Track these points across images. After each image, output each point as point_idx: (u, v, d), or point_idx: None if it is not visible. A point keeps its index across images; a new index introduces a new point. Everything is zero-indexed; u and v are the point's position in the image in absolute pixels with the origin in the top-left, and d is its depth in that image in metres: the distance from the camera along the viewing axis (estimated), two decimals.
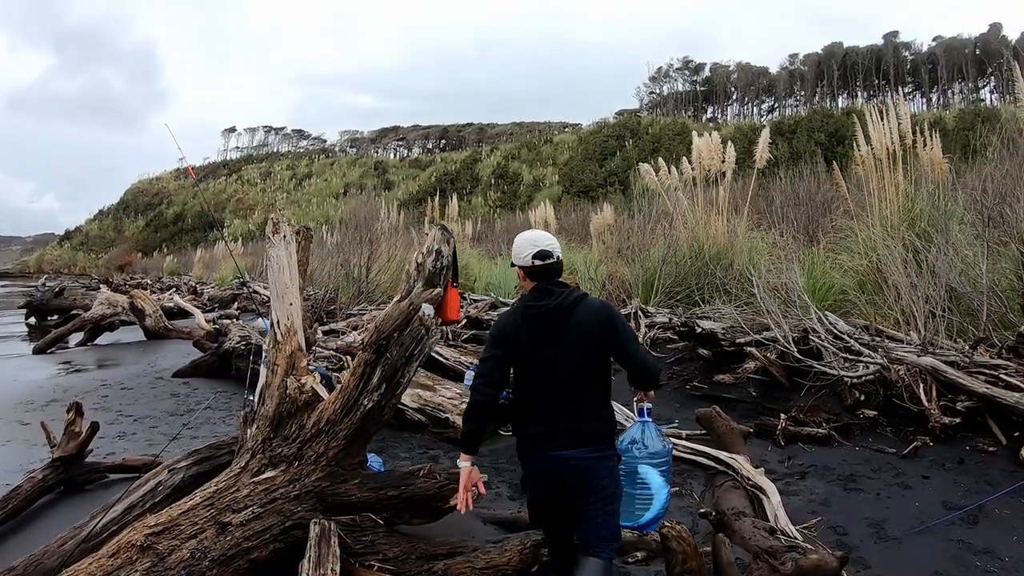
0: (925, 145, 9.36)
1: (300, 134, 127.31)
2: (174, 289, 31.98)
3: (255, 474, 3.95)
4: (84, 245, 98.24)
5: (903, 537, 4.24)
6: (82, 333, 16.91)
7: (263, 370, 4.83)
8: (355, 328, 11.52)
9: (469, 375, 7.38)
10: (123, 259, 74.80)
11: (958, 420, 5.60)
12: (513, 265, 3.59)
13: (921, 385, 5.92)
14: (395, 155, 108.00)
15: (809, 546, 3.41)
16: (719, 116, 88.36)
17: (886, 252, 7.65)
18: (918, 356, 6.04)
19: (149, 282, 42.95)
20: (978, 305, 6.64)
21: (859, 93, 77.02)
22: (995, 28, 69.28)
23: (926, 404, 5.78)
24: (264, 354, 4.96)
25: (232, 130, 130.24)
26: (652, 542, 3.87)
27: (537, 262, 3.43)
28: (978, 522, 4.34)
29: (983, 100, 65.19)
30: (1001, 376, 5.60)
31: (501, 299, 15.00)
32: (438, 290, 4.37)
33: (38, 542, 4.34)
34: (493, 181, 66.18)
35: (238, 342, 10.49)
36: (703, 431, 5.86)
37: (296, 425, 4.16)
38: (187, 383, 10.21)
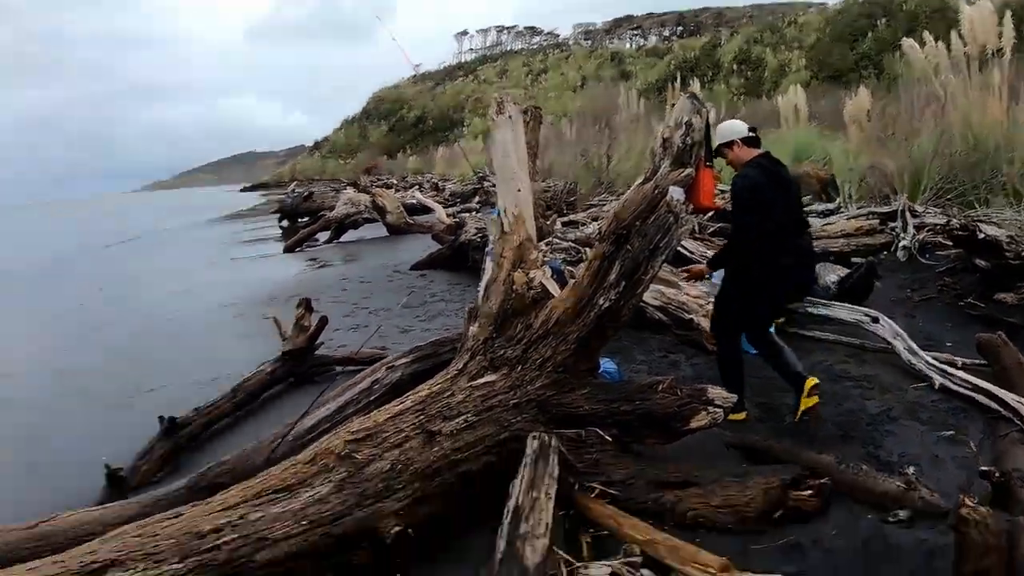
0: None
1: (532, 31, 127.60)
2: (416, 186, 32.99)
3: (473, 377, 3.57)
4: (332, 153, 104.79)
5: None
6: (328, 232, 17.88)
7: (488, 262, 4.47)
8: (595, 219, 11.11)
9: (717, 274, 6.61)
10: (369, 163, 78.90)
11: None
12: (724, 145, 4.43)
13: None
14: (631, 45, 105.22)
15: None
16: None
17: None
18: None
19: (394, 182, 44.78)
20: None
21: None
22: None
23: None
24: (490, 245, 4.56)
25: (464, 33, 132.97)
26: (917, 499, 3.13)
27: (751, 132, 4.43)
28: None
29: None
30: None
31: None
32: (688, 170, 3.71)
33: (261, 433, 4.33)
34: (735, 67, 62.70)
35: (474, 234, 10.43)
36: (983, 362, 4.86)
37: (522, 324, 3.73)
38: (424, 275, 10.40)
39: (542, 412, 3.45)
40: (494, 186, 17.26)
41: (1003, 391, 4.26)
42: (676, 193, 3.34)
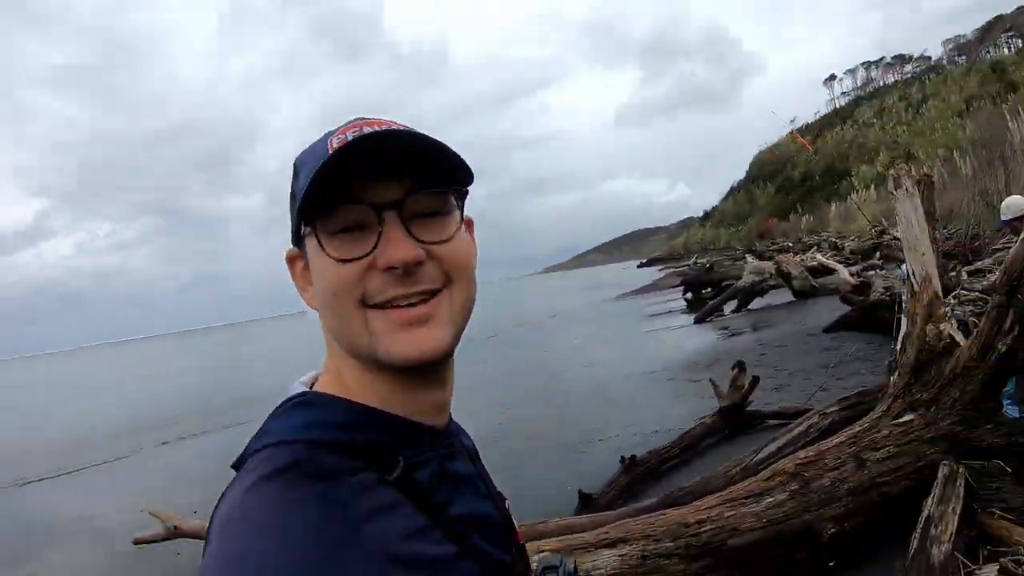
0: None
1: (901, 59, 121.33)
2: (814, 248, 33.01)
3: (894, 417, 4.48)
4: (722, 221, 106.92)
5: None
6: (735, 301, 19.01)
7: (903, 320, 5.29)
8: (999, 263, 10.99)
9: None
10: (761, 226, 79.69)
11: None
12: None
13: None
14: (1010, 49, 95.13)
15: None
16: None
17: None
18: None
19: (790, 244, 44.86)
20: None
21: None
22: None
23: None
24: (903, 304, 5.38)
25: (832, 78, 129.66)
26: None
27: None
28: None
29: None
30: None
31: None
32: None
33: (704, 471, 5.50)
34: None
35: (882, 293, 10.97)
36: None
37: (934, 371, 4.55)
38: (835, 337, 11.01)
39: (952, 445, 4.20)
40: (894, 239, 17.36)
41: None
42: None
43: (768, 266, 19.20)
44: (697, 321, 17.88)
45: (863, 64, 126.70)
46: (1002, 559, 3.51)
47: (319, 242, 0.79)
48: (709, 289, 23.39)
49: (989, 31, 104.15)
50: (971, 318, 6.88)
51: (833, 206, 54.94)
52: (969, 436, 4.22)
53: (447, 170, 0.81)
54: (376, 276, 0.78)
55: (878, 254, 22.79)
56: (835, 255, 25.93)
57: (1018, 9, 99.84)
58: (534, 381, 12.31)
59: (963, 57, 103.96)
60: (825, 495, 3.93)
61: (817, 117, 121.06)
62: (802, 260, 21.06)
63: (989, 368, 4.22)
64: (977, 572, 3.54)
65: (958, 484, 3.89)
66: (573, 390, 11.01)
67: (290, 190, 0.85)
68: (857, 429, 4.47)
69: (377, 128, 0.78)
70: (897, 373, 4.83)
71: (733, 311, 18.55)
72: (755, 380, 7.04)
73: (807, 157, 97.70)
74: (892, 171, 5.57)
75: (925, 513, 3.73)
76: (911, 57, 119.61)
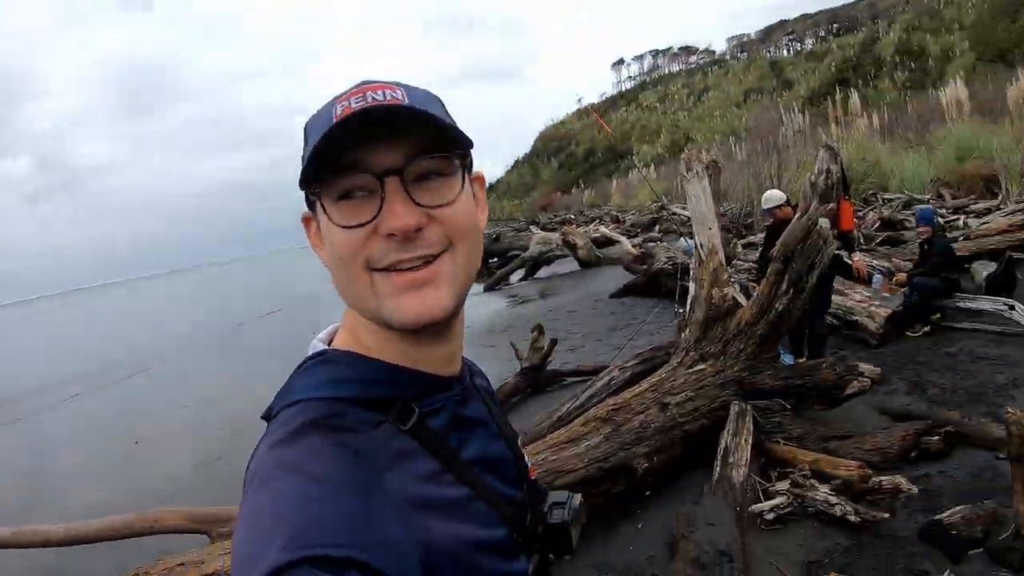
0: None
1: (688, 50, 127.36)
2: (597, 220, 34.22)
3: (688, 367, 5.13)
4: (506, 193, 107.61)
5: None
6: (522, 270, 19.57)
7: (692, 285, 6.04)
8: None
9: (877, 279, 7.76)
10: (544, 200, 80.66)
11: None
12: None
13: None
14: (788, 51, 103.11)
15: None
16: None
17: None
18: None
19: (572, 217, 46.10)
20: None
21: None
22: None
23: None
24: (691, 271, 6.12)
25: (620, 62, 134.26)
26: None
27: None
28: None
29: None
30: None
31: (915, 196, 14.52)
32: (831, 205, 5.13)
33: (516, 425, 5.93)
34: (898, 59, 60.38)
35: (665, 263, 11.80)
36: None
37: (720, 328, 5.30)
38: (622, 303, 11.72)
39: (738, 388, 4.91)
40: (673, 213, 18.55)
41: None
42: (823, 223, 4.80)
43: (555, 237, 19.78)
44: (487, 289, 18.26)
45: (651, 52, 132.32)
46: (792, 475, 4.19)
47: (323, 208, 0.82)
48: (495, 259, 23.66)
49: (771, 33, 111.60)
50: (750, 283, 7.80)
51: (615, 182, 56.93)
52: (753, 380, 4.94)
53: (449, 136, 0.84)
54: (378, 241, 0.81)
55: (658, 227, 24.22)
56: (617, 227, 26.90)
57: (802, 16, 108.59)
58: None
59: (745, 54, 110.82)
60: (635, 436, 4.45)
61: (603, 98, 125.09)
62: (586, 232, 21.80)
63: (767, 324, 5.00)
64: (771, 488, 4.22)
65: (747, 420, 4.58)
66: None
67: (301, 159, 0.86)
68: (656, 378, 5.08)
69: (381, 93, 0.81)
70: (688, 330, 5.54)
71: (521, 279, 19.19)
72: (553, 342, 7.51)
73: (605, 138, 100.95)
74: (684, 155, 6.29)
75: (723, 444, 4.38)
76: (697, 49, 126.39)
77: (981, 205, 12.34)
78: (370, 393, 0.84)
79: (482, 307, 14.74)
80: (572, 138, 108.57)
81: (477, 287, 19.65)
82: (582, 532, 1.08)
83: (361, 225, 0.81)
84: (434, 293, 0.83)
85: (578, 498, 1.09)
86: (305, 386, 0.85)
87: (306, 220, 0.91)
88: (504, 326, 11.15)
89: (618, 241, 20.58)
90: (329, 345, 0.93)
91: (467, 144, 0.87)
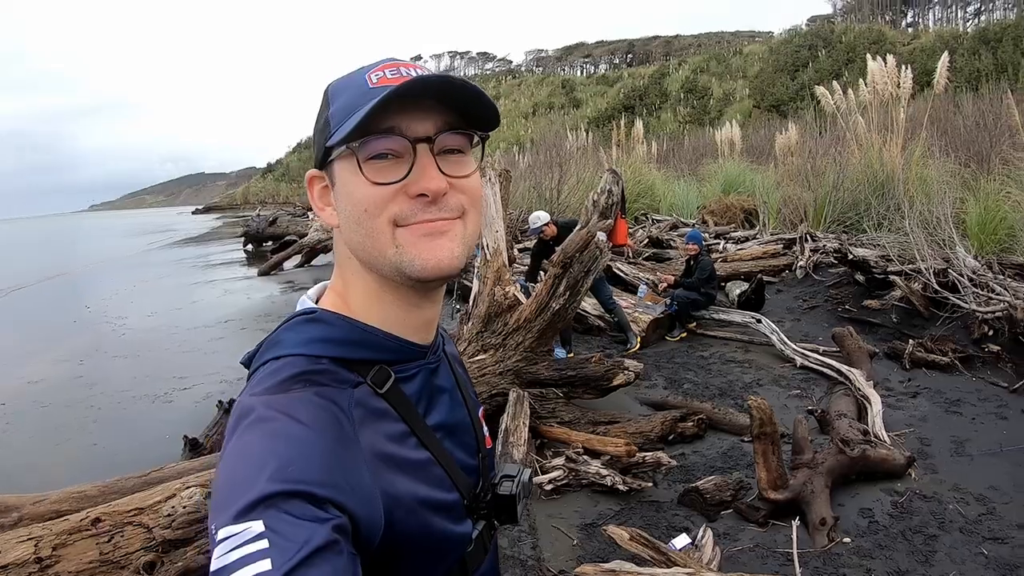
0: None
1: (486, 56, 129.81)
2: None
3: (470, 357, 5.41)
4: (285, 176, 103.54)
5: (977, 456, 4.80)
6: (299, 256, 18.95)
7: (476, 282, 6.35)
8: None
9: (643, 289, 8.49)
10: None
11: None
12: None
13: None
14: (582, 72, 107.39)
15: (886, 445, 4.57)
16: (919, 21, 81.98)
17: None
18: None
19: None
20: None
21: None
22: None
23: None
24: (475, 269, 6.47)
25: (418, 58, 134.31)
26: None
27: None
28: None
29: None
30: None
31: (682, 220, 15.66)
32: (609, 221, 5.67)
33: None
34: (682, 96, 64.48)
35: None
36: (836, 348, 6.85)
37: (501, 322, 5.64)
38: None
39: (517, 377, 5.28)
40: None
41: (842, 365, 6.23)
42: (601, 236, 5.33)
43: None
44: (261, 274, 17.76)
45: (450, 52, 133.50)
46: (566, 452, 4.65)
47: (359, 165, 0.88)
48: (271, 243, 23.40)
49: (569, 53, 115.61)
50: (531, 284, 8.30)
51: None
52: (530, 371, 5.33)
53: (475, 115, 0.93)
54: (405, 201, 0.89)
55: None
56: None
57: (600, 42, 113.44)
58: (96, 334, 11.42)
59: (541, 69, 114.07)
60: None
61: None
62: None
63: (544, 321, 5.42)
64: (548, 464, 4.63)
65: (524, 405, 4.93)
66: (143, 341, 10.51)
67: (321, 117, 0.95)
68: None
69: (418, 72, 0.91)
70: (470, 323, 5.88)
71: (296, 266, 18.77)
72: None
73: None
74: (481, 163, 6.67)
75: (503, 427, 4.70)
76: (495, 57, 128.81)
77: (740, 233, 13.58)
78: (353, 354, 0.92)
79: (257, 292, 14.37)
80: None
81: (250, 271, 19.13)
82: (527, 505, 1.19)
83: (392, 183, 0.88)
84: (449, 245, 0.91)
85: (528, 472, 1.16)
86: (295, 341, 0.92)
87: (311, 179, 0.99)
88: (280, 311, 10.92)
89: None
90: (317, 303, 1.01)
91: (493, 125, 0.96)
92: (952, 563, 3.58)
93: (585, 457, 4.48)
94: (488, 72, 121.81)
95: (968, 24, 70.57)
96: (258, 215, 27.93)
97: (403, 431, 0.92)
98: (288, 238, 21.86)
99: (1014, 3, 70.44)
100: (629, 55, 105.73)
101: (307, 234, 20.01)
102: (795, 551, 3.57)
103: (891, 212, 10.66)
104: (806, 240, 11.14)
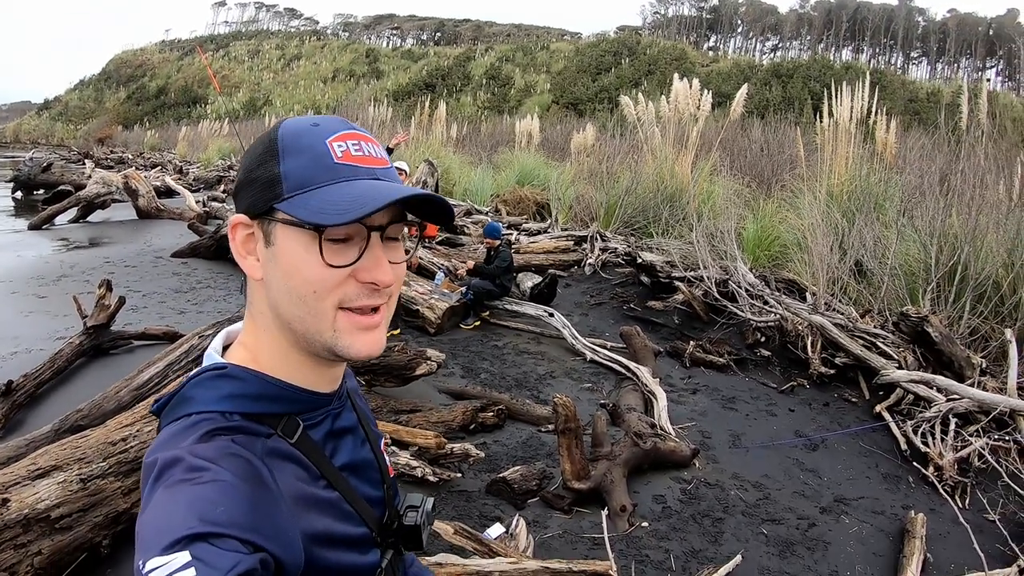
0: (886, 124, 10.29)
1: (292, 13, 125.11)
2: (160, 167, 31.96)
3: None
4: (63, 116, 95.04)
5: (752, 448, 5.40)
6: (75, 210, 17.14)
7: None
8: None
9: (439, 276, 8.55)
10: (103, 131, 72.15)
11: (833, 372, 6.67)
12: None
13: (810, 338, 6.98)
14: (388, 44, 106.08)
15: (673, 438, 5.05)
16: (721, 47, 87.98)
17: (811, 221, 8.47)
18: (810, 314, 7.00)
19: (130, 156, 42.18)
20: (879, 281, 7.60)
21: (865, 49, 77.47)
22: (1012, 13, 69.47)
23: (810, 354, 6.85)
24: None
25: (223, 3, 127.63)
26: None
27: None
28: (816, 450, 5.43)
29: (986, 80, 65.62)
30: (878, 344, 6.59)
31: (477, 206, 15.85)
32: None
33: (78, 396, 5.35)
34: (484, 82, 65.24)
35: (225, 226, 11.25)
36: (624, 345, 7.32)
37: None
38: (186, 263, 11.01)
39: None
40: None
41: (630, 362, 6.68)
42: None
43: (117, 179, 17.39)
44: (32, 228, 15.85)
45: (256, 3, 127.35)
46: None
47: (320, 246, 0.92)
48: (42, 191, 21.29)
49: (378, 23, 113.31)
50: None
51: (184, 129, 52.64)
52: None
53: (428, 213, 1.02)
54: (353, 285, 0.95)
55: (223, 187, 23.30)
56: (179, 179, 25.59)
57: (411, 16, 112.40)
58: None
59: (347, 34, 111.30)
60: None
61: (193, 36, 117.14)
62: (148, 178, 19.74)
63: None
64: None
65: None
66: None
67: (266, 165, 0.97)
68: None
69: (375, 149, 0.99)
70: None
71: (70, 220, 16.90)
72: (122, 300, 6.82)
73: (168, 72, 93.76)
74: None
75: None
76: (301, 15, 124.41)
77: (533, 226, 13.95)
78: (265, 409, 0.97)
79: (28, 249, 12.78)
80: (149, 70, 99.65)
81: (18, 223, 17.16)
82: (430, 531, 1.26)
83: (344, 267, 0.93)
84: (378, 335, 0.98)
85: (431, 502, 1.28)
86: (207, 398, 0.96)
87: (239, 225, 1.00)
88: (56, 275, 9.82)
89: (181, 194, 19.53)
90: (224, 354, 1.06)
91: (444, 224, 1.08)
92: (738, 542, 4.03)
93: (393, 448, 4.47)
94: (292, 29, 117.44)
95: (764, 57, 76.59)
96: (31, 158, 25.22)
97: (314, 474, 0.99)
98: (63, 188, 19.75)
99: (809, 46, 77.59)
100: (438, 33, 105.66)
101: (84, 185, 18.22)
102: (606, 535, 3.84)
103: (678, 222, 11.45)
104: (596, 239, 11.68)
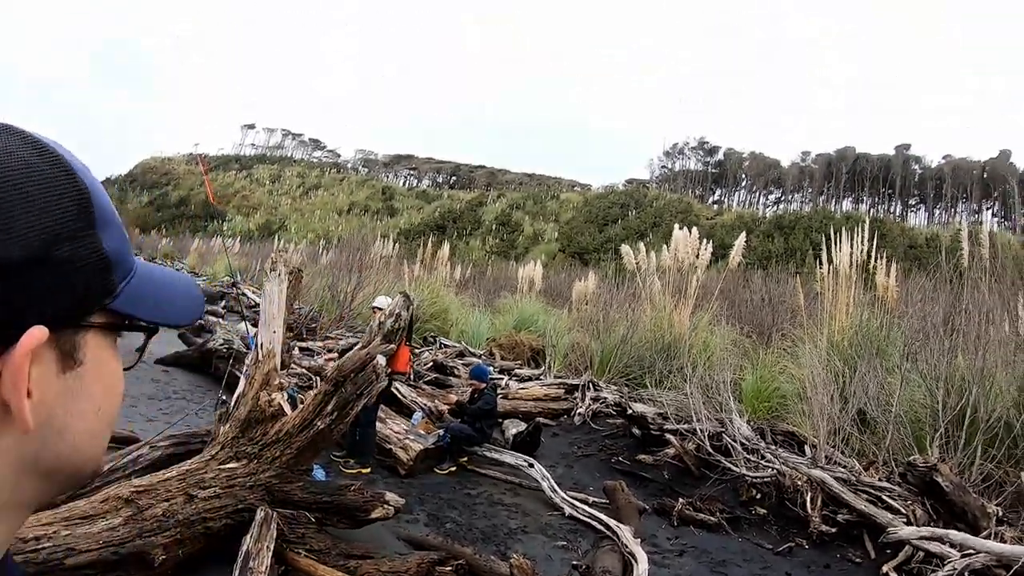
0: (887, 269, 10.20)
1: (316, 143, 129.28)
2: None
3: (222, 463, 4.93)
4: None
5: None
6: None
7: (243, 379, 5.88)
8: (329, 351, 12.29)
9: (417, 416, 8.26)
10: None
11: (835, 530, 6.31)
12: None
13: (809, 493, 6.64)
14: (404, 183, 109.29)
15: None
16: (726, 200, 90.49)
17: (811, 370, 8.26)
18: (809, 467, 6.76)
19: (143, 260, 43.05)
20: (884, 430, 7.29)
21: (864, 199, 79.58)
22: (1004, 154, 71.21)
23: (810, 511, 6.50)
24: (246, 367, 6.02)
25: (251, 127, 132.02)
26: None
27: None
28: None
29: (982, 223, 67.13)
30: (883, 497, 6.27)
31: (470, 348, 15.71)
32: (392, 346, 5.46)
33: None
34: (494, 227, 66.79)
35: (221, 343, 11.22)
36: (607, 500, 6.88)
37: (261, 431, 5.19)
38: (167, 371, 10.90)
39: (268, 494, 4.83)
40: (244, 295, 17.97)
41: (610, 519, 6.19)
42: (381, 360, 5.12)
43: None
44: None
45: (283, 130, 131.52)
46: None
47: (116, 341, 0.71)
48: None
49: (397, 162, 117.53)
50: (299, 395, 7.89)
51: (197, 241, 53.93)
52: (284, 489, 4.90)
53: None
54: None
55: (224, 303, 23.13)
56: None
57: (428, 159, 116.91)
58: None
59: (366, 170, 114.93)
60: (157, 523, 4.12)
61: (220, 153, 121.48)
62: None
63: (307, 439, 5.05)
64: None
65: (271, 527, 4.48)
66: None
67: (82, 246, 0.63)
68: (188, 467, 4.82)
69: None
70: (228, 424, 5.40)
71: None
72: None
73: (191, 184, 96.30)
74: (272, 255, 6.34)
75: (244, 548, 4.22)
76: (325, 146, 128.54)
77: (525, 372, 13.72)
78: None
79: None
80: (174, 179, 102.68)
81: None
82: None
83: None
84: None
85: None
86: None
87: (41, 350, 0.60)
88: None
89: None
90: None
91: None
92: None
93: None
94: (314, 159, 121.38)
95: (767, 209, 78.70)
96: None
97: None
98: None
99: (810, 198, 79.94)
100: (454, 177, 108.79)
101: None
102: None
103: (674, 372, 11.23)
104: (588, 388, 11.39)
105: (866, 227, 10.25)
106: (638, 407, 9.06)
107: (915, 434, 7.22)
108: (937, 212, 76.82)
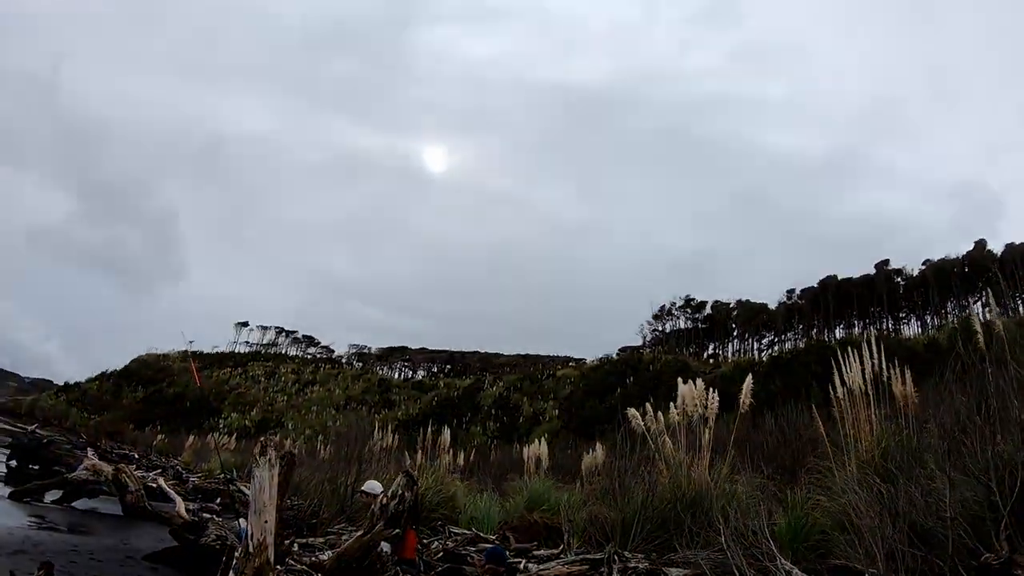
0: (900, 379, 9.72)
1: (310, 340, 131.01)
2: (160, 471, 31.78)
3: None
4: (80, 402, 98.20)
5: None
6: (61, 491, 16.55)
7: (232, 573, 5.19)
8: (332, 547, 11.61)
9: None
10: (115, 426, 73.88)
11: None
12: None
13: None
14: (400, 375, 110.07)
15: None
16: (720, 352, 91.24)
17: (852, 495, 7.71)
18: None
19: (136, 455, 42.60)
20: (943, 538, 6.55)
21: (855, 321, 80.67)
22: (980, 244, 73.09)
23: None
24: (235, 560, 5.36)
25: (245, 324, 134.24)
26: None
27: None
28: None
29: (974, 315, 67.97)
30: None
31: (482, 535, 14.96)
32: (396, 531, 4.81)
33: None
34: (493, 411, 66.59)
35: (214, 540, 10.60)
36: None
37: None
38: (156, 569, 10.12)
39: None
40: (240, 491, 17.26)
41: None
42: (385, 547, 4.48)
43: (108, 470, 17.45)
44: (13, 496, 15.38)
45: (277, 328, 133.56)
46: None
47: None
48: (38, 466, 20.79)
49: (390, 354, 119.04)
50: None
51: (192, 437, 53.99)
52: None
53: None
54: None
55: (219, 500, 22.59)
56: (177, 485, 24.91)
57: (422, 348, 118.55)
58: None
59: (360, 364, 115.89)
60: None
61: (214, 351, 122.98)
62: (143, 477, 19.63)
63: None
64: None
65: None
66: None
67: None
68: None
69: None
70: None
71: (54, 501, 16.11)
72: None
73: (187, 380, 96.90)
74: (263, 438, 5.81)
75: None
76: (319, 342, 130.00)
77: (543, 552, 12.96)
78: None
79: (1, 516, 12.36)
80: (169, 376, 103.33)
81: (3, 490, 16.52)
82: None
83: None
84: None
85: None
86: None
87: None
88: (12, 548, 9.22)
89: (173, 500, 18.81)
90: None
91: None
92: None
93: None
94: (308, 355, 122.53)
95: (763, 353, 78.93)
96: (33, 432, 25.56)
97: None
98: (56, 467, 19.49)
99: (802, 333, 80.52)
100: (448, 365, 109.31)
101: (76, 469, 17.89)
102: None
103: (703, 528, 10.56)
104: (614, 560, 10.56)
105: (873, 344, 10.02)
106: (674, 572, 8.40)
107: (976, 533, 6.49)
108: (928, 317, 77.80)
